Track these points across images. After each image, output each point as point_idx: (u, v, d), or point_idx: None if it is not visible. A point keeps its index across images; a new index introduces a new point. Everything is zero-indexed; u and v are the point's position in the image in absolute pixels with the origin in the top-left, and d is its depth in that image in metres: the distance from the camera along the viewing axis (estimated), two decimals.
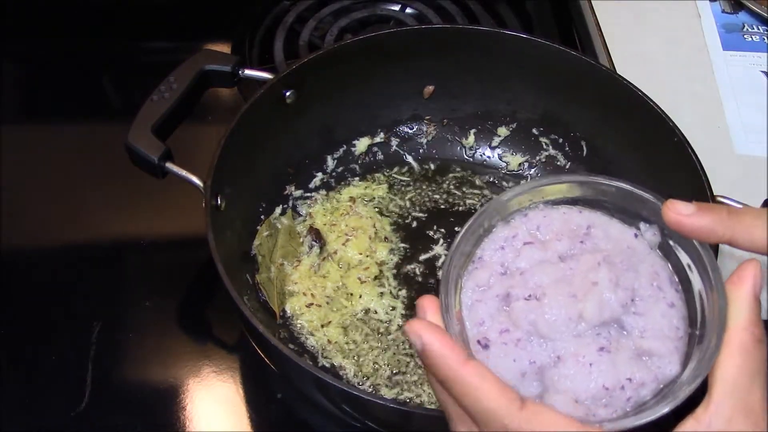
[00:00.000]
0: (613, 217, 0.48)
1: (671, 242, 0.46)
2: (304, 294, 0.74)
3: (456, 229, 0.80)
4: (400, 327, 0.73)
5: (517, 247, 0.47)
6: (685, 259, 0.45)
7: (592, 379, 0.42)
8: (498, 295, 0.45)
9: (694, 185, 0.68)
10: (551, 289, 0.44)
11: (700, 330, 0.43)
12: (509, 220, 0.48)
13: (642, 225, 0.47)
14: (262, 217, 0.78)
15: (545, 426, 0.39)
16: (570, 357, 0.43)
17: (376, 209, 0.82)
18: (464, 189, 0.84)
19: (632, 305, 0.44)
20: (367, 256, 0.77)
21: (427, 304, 0.44)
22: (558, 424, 0.39)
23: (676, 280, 0.46)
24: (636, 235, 0.47)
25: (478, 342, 0.44)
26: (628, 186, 0.47)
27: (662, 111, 0.73)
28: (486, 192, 0.84)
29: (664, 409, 0.41)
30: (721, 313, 0.41)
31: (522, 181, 0.84)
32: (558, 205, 0.48)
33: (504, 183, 0.84)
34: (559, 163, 0.84)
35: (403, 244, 0.79)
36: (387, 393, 0.69)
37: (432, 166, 0.86)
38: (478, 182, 0.85)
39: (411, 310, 0.74)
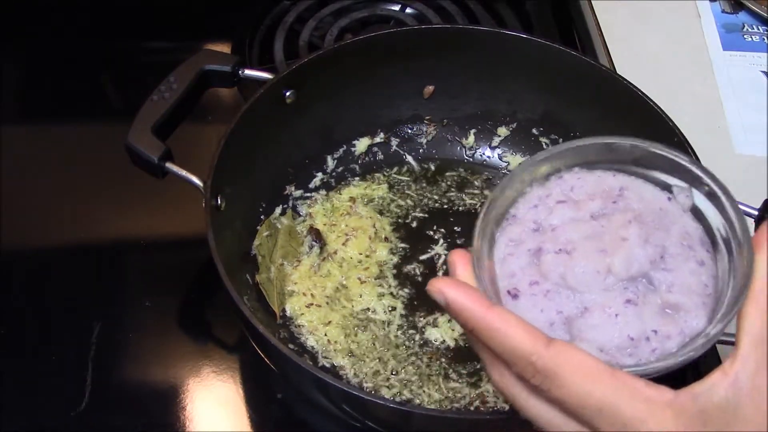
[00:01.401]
0: (648, 181, 0.48)
1: (702, 206, 0.46)
2: (304, 294, 0.74)
3: (456, 229, 0.80)
4: (400, 327, 0.73)
5: (550, 205, 0.48)
6: (715, 221, 0.46)
7: (618, 329, 0.43)
8: (530, 249, 0.46)
9: None
10: (581, 244, 0.45)
11: (726, 287, 0.44)
12: (543, 181, 0.49)
13: (675, 188, 0.47)
14: (262, 217, 0.78)
15: (572, 363, 0.39)
16: (597, 308, 0.44)
17: (376, 209, 0.82)
18: (464, 189, 0.84)
19: (661, 262, 0.45)
20: (367, 256, 0.77)
21: (458, 259, 0.45)
22: (584, 362, 0.39)
23: (708, 241, 0.46)
24: (669, 199, 0.47)
25: (508, 292, 0.46)
26: (660, 149, 0.47)
27: (662, 111, 0.73)
28: (486, 192, 0.84)
29: (685, 356, 0.41)
30: (748, 266, 0.41)
31: None
32: (593, 170, 0.49)
33: None
34: None
35: (403, 244, 0.79)
36: (387, 393, 0.69)
37: (432, 166, 0.86)
38: (478, 182, 0.85)
39: (411, 310, 0.74)
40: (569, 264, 0.45)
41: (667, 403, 0.39)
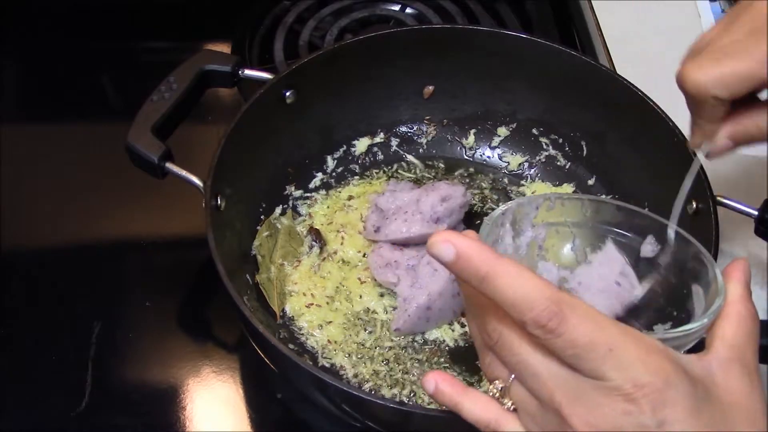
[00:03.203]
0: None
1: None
2: (304, 294, 0.74)
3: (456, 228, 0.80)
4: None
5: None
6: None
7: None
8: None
9: (694, 185, 0.68)
10: None
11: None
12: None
13: (649, 237, 0.55)
14: (262, 217, 0.78)
15: (583, 308, 0.42)
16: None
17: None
18: None
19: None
20: (366, 255, 0.77)
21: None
22: (592, 309, 0.42)
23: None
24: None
25: None
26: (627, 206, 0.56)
27: (662, 111, 0.73)
28: (486, 192, 0.84)
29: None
30: (721, 287, 0.47)
31: (521, 182, 0.84)
32: None
33: (504, 183, 0.84)
34: (559, 163, 0.84)
35: None
36: (387, 393, 0.69)
37: (432, 167, 0.86)
38: (478, 182, 0.85)
39: None
40: None
41: (663, 351, 0.42)
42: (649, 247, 0.55)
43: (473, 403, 0.47)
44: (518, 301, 0.42)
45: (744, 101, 0.54)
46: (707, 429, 0.41)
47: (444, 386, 0.48)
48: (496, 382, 0.46)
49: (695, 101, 0.54)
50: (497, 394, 0.46)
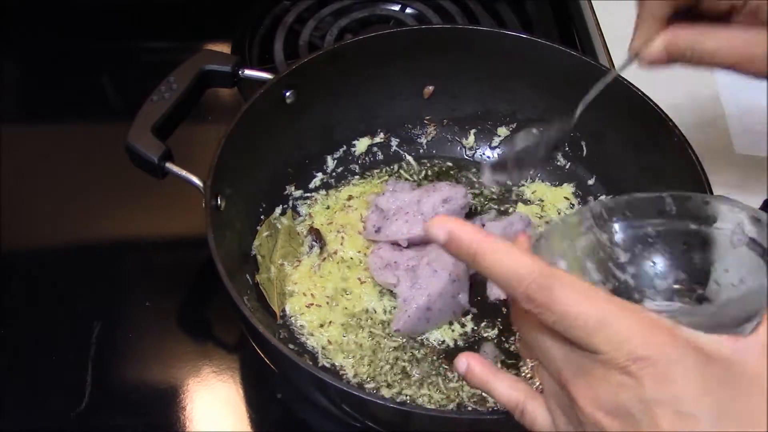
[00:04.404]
0: None
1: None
2: (304, 294, 0.74)
3: None
4: None
5: None
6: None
7: None
8: None
9: (695, 185, 0.68)
10: None
11: None
12: None
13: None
14: (262, 217, 0.78)
15: (573, 282, 0.41)
16: None
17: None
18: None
19: None
20: (366, 256, 0.77)
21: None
22: (583, 283, 0.41)
23: None
24: None
25: None
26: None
27: (662, 111, 0.73)
28: (486, 192, 0.84)
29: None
30: None
31: (522, 182, 0.84)
32: None
33: (504, 183, 0.84)
34: (559, 163, 0.84)
35: None
36: (387, 393, 0.69)
37: (432, 166, 0.86)
38: (478, 182, 0.84)
39: None
40: None
41: (666, 328, 0.40)
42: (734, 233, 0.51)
43: (503, 383, 0.48)
44: (508, 275, 0.42)
45: (691, 17, 0.54)
46: (721, 412, 0.39)
47: (475, 366, 0.49)
48: (528, 361, 0.47)
49: None
50: (528, 374, 0.47)
